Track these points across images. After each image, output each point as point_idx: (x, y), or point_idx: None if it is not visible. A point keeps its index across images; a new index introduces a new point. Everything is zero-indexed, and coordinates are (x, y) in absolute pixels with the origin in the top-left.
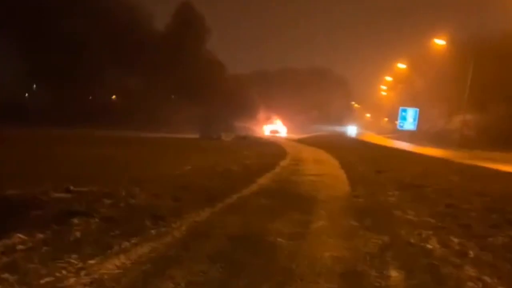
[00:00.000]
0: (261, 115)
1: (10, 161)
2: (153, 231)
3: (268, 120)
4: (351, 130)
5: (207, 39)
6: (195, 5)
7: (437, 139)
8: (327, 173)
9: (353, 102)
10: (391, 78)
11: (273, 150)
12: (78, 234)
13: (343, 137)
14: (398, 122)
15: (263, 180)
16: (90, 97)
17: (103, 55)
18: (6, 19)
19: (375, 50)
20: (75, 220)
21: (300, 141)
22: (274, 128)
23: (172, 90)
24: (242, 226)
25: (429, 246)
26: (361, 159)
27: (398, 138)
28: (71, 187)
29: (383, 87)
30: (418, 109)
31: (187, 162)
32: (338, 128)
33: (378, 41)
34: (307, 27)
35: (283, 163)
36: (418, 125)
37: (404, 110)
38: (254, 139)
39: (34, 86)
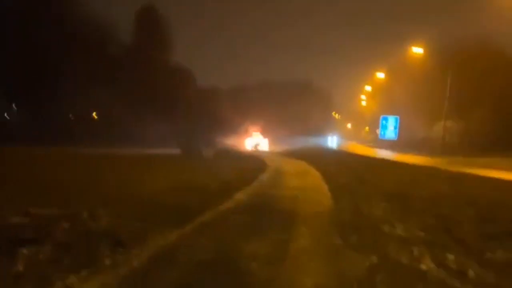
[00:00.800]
0: (242, 129)
1: None
2: (108, 261)
3: (249, 134)
4: (332, 141)
5: (173, 44)
6: (158, 7)
7: (420, 146)
8: (308, 186)
9: (333, 112)
10: (370, 87)
11: (253, 163)
12: (21, 267)
13: (324, 148)
14: (379, 131)
15: (241, 195)
16: (70, 115)
17: (76, 73)
18: None
19: (355, 59)
20: (24, 250)
21: (281, 153)
22: (255, 141)
23: (145, 104)
24: (213, 249)
25: (423, 266)
26: (343, 169)
27: (380, 147)
28: (31, 210)
29: (363, 97)
30: (398, 117)
31: (163, 179)
32: (319, 139)
33: (357, 50)
34: (284, 38)
35: (262, 176)
36: (400, 133)
37: (385, 119)
38: (235, 153)
39: (13, 105)
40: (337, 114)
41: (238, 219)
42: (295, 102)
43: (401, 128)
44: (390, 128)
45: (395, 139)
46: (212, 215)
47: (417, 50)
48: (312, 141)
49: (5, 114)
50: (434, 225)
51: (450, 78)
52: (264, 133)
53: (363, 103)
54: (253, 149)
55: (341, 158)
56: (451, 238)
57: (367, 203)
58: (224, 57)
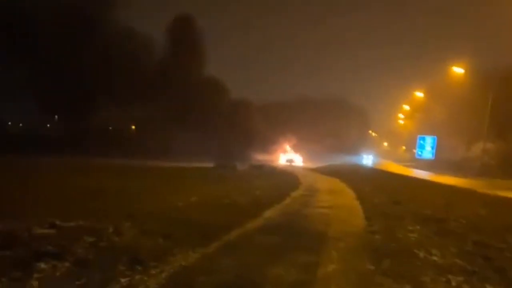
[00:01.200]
0: (277, 144)
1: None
2: (124, 280)
3: (284, 149)
4: (367, 159)
5: (207, 56)
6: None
7: (457, 168)
8: (340, 205)
9: (370, 131)
10: (408, 106)
11: (286, 179)
12: (35, 284)
13: (359, 166)
14: (416, 151)
15: (271, 213)
16: (110, 128)
17: (114, 87)
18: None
19: (393, 77)
20: (42, 265)
21: (315, 170)
22: (289, 157)
23: (181, 117)
24: (236, 272)
25: None
26: (378, 189)
27: (416, 167)
28: (57, 222)
29: (401, 116)
30: (436, 137)
31: (194, 193)
32: (355, 157)
33: (396, 69)
34: (323, 56)
35: (295, 193)
36: (437, 154)
37: (422, 139)
38: (269, 168)
39: (56, 117)
40: (373, 133)
41: (265, 240)
42: (331, 119)
43: (438, 148)
44: (428, 148)
45: (432, 158)
46: (239, 234)
47: (458, 70)
48: (347, 159)
49: (48, 125)
50: (472, 252)
51: (491, 99)
52: (299, 149)
53: (401, 122)
54: (287, 164)
55: (376, 176)
56: (491, 267)
57: (402, 225)
58: (262, 73)
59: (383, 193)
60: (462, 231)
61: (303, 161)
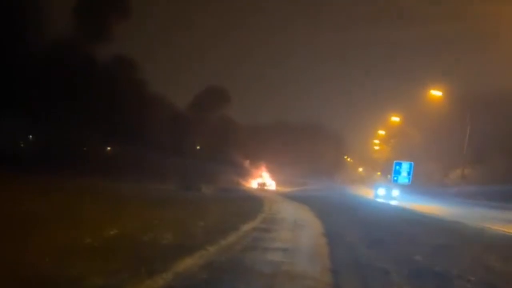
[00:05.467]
0: (250, 167)
1: None
2: None
3: (256, 173)
4: (388, 192)
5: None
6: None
7: (433, 194)
8: (301, 246)
9: (345, 156)
10: (384, 131)
11: (247, 205)
12: None
13: (333, 191)
14: (392, 176)
15: (192, 262)
16: (85, 148)
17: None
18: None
19: (368, 102)
20: None
21: (285, 195)
22: (262, 181)
23: (152, 139)
24: None
25: None
26: (351, 220)
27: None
28: None
29: (376, 141)
30: (412, 163)
31: (122, 222)
32: (329, 182)
33: (371, 93)
34: (297, 81)
35: (248, 226)
36: (413, 180)
37: (399, 164)
38: (236, 192)
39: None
40: (349, 158)
41: None
42: (306, 144)
43: (415, 174)
44: (403, 174)
45: (408, 183)
46: None
47: (436, 93)
48: (321, 184)
49: (21, 144)
50: None
51: (470, 124)
52: (273, 173)
53: (376, 147)
54: (259, 188)
55: (350, 204)
56: None
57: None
58: (236, 95)
59: (358, 226)
60: None
61: (277, 185)
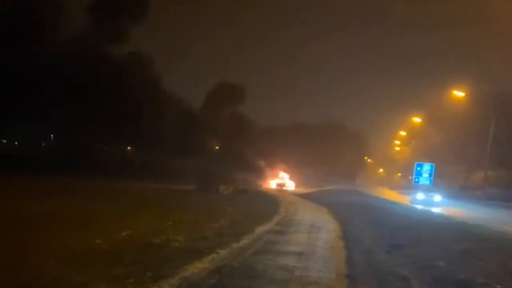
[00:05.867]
0: (269, 168)
1: None
2: None
3: (275, 173)
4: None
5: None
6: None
7: (455, 196)
8: (317, 250)
9: (366, 157)
10: (405, 132)
11: (264, 207)
12: None
13: (353, 193)
14: (413, 177)
15: (200, 266)
16: (105, 148)
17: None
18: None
19: (390, 103)
20: None
21: (303, 196)
22: (280, 182)
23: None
24: None
25: None
26: (371, 222)
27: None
28: None
29: (397, 142)
30: (434, 164)
31: (136, 224)
32: (349, 183)
33: (392, 94)
34: (318, 81)
35: (263, 228)
36: (434, 181)
37: (420, 165)
38: (254, 193)
39: (52, 136)
40: (369, 159)
41: None
42: (326, 145)
43: (436, 176)
44: (425, 175)
45: (430, 184)
46: None
47: (459, 94)
48: (342, 185)
49: (43, 144)
50: None
51: (494, 125)
52: (293, 174)
53: (397, 148)
54: (278, 188)
55: (371, 206)
56: None
57: None
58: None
59: (378, 229)
60: None
61: (296, 186)
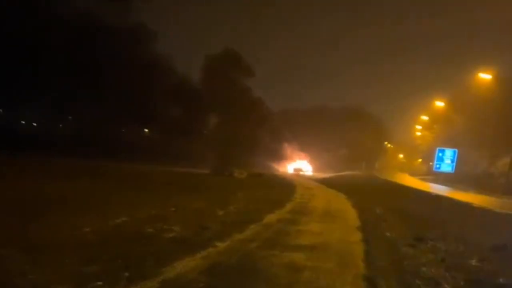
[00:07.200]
0: (287, 152)
1: None
2: None
3: (293, 158)
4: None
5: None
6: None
7: (478, 183)
8: (331, 243)
9: (386, 142)
10: (427, 117)
11: (277, 192)
12: None
13: (370, 178)
14: (434, 163)
15: (191, 264)
16: (123, 130)
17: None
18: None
19: (412, 87)
20: None
21: (321, 181)
22: (298, 166)
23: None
24: None
25: None
26: (392, 211)
27: (433, 181)
28: None
29: (418, 127)
30: (456, 150)
31: (133, 210)
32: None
33: (415, 77)
34: (339, 64)
35: (273, 216)
36: (456, 168)
37: (442, 151)
38: (269, 177)
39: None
40: (389, 144)
41: None
42: (346, 129)
43: (459, 161)
44: (447, 161)
45: (452, 172)
46: None
47: (485, 76)
48: (361, 171)
49: (60, 125)
50: None
51: None
52: (311, 158)
53: (418, 133)
54: (295, 173)
55: (391, 193)
56: None
57: None
58: (275, 79)
59: (399, 219)
60: None
61: (314, 171)
